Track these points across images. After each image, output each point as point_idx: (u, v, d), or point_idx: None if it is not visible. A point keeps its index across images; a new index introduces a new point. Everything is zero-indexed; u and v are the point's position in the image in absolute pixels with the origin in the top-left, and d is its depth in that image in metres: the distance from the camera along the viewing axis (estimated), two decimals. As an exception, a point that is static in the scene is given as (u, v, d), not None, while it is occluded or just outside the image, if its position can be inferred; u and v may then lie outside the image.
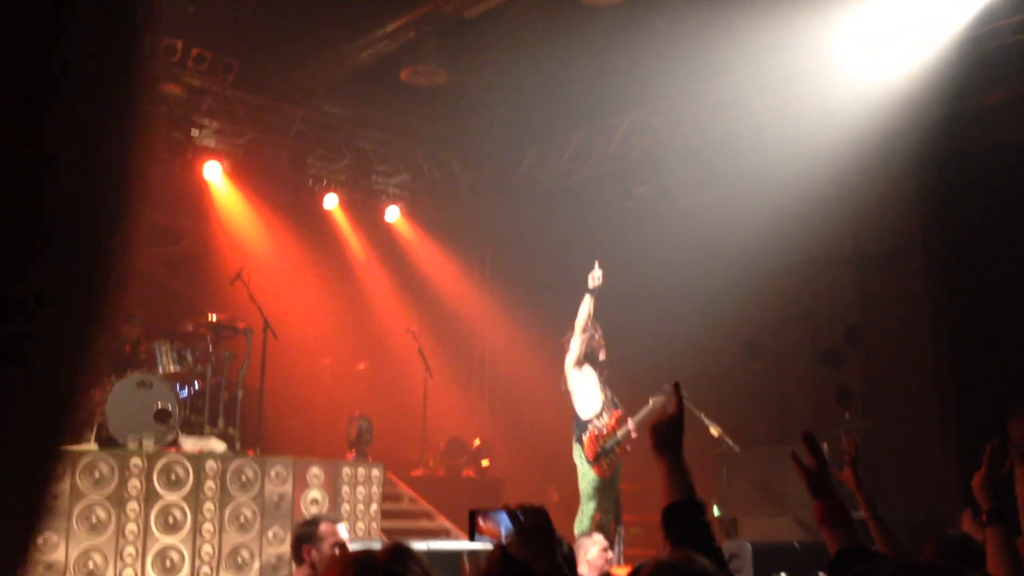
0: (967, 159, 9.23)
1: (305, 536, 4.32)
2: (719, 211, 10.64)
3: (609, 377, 7.87)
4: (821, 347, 10.13)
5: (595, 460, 7.41)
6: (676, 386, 2.49)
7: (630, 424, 7.50)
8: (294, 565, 4.42)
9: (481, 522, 2.13)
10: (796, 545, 7.11)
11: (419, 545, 1.93)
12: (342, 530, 4.32)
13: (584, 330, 7.51)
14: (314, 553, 4.24)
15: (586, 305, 7.51)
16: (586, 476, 7.42)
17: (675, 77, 10.19)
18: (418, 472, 10.76)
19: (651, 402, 7.49)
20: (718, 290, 10.38)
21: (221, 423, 8.74)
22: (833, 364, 9.92)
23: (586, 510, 7.40)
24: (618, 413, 7.61)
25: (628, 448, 7.55)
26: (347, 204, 12.54)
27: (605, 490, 7.48)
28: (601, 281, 7.43)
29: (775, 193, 9.75)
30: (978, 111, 9.15)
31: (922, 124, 9.03)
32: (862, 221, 9.94)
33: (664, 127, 11.01)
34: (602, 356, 7.70)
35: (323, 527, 4.30)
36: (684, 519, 2.25)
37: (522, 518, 2.18)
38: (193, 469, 7.47)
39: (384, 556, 1.73)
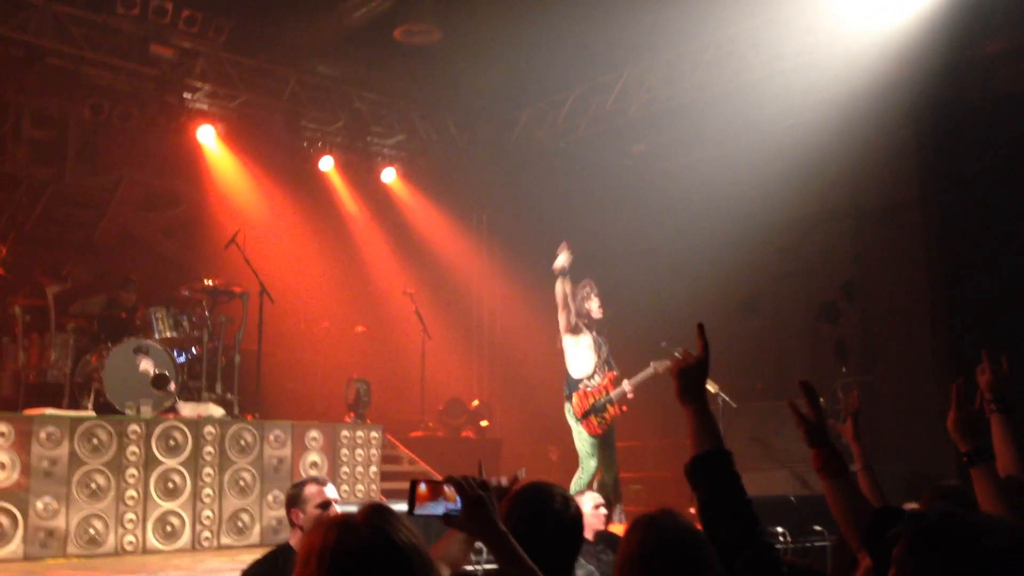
0: (966, 110, 9.12)
1: (291, 499, 4.33)
2: (716, 168, 10.57)
3: (609, 334, 7.84)
4: (819, 303, 10.11)
5: (584, 417, 7.44)
6: (700, 327, 2.35)
7: (626, 385, 7.50)
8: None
9: (422, 489, 2.09)
10: (792, 499, 7.15)
11: (396, 507, 1.91)
12: (330, 491, 4.31)
13: (564, 307, 7.49)
14: (300, 516, 4.25)
15: (559, 287, 7.46)
16: (580, 435, 7.45)
17: (671, 33, 10.06)
18: (417, 433, 10.81)
19: (652, 366, 7.49)
20: (715, 247, 10.34)
21: (219, 388, 8.77)
22: (830, 319, 9.91)
23: (587, 468, 7.44)
24: (612, 375, 7.61)
25: (624, 408, 7.56)
26: (343, 166, 12.47)
27: (603, 447, 7.50)
28: (567, 262, 7.37)
29: (772, 149, 9.67)
30: (978, 61, 9.02)
31: (920, 75, 8.91)
32: (859, 176, 9.86)
33: (660, 84, 10.89)
34: (598, 315, 7.67)
35: (308, 489, 4.29)
36: (713, 470, 2.16)
37: (467, 489, 2.13)
38: (192, 434, 7.51)
39: (364, 515, 1.71)
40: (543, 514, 2.67)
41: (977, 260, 8.97)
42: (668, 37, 10.23)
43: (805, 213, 10.12)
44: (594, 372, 7.56)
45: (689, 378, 2.28)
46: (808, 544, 6.60)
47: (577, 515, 2.78)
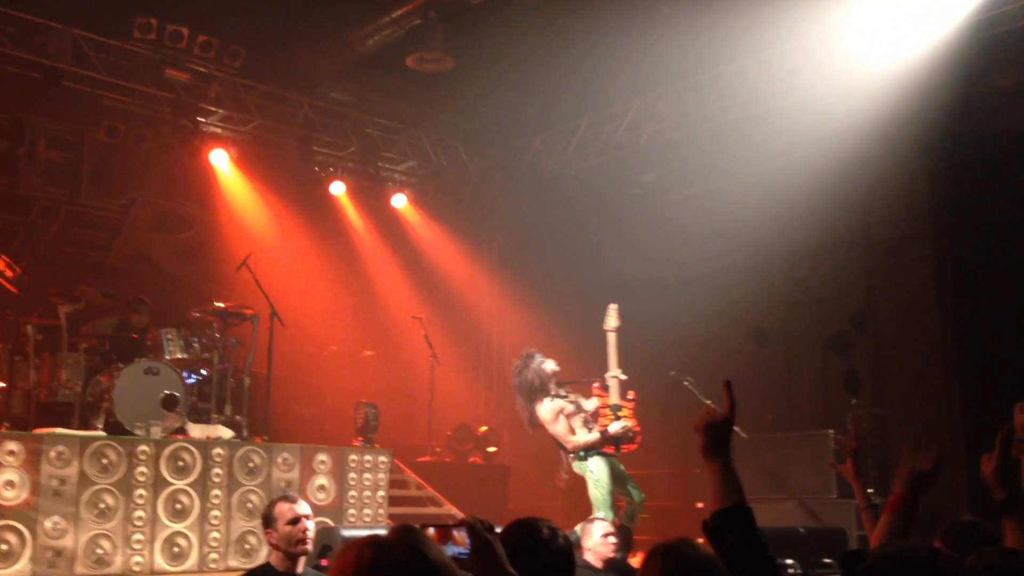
0: (976, 144, 9.16)
1: (265, 519, 4.38)
2: (726, 198, 10.61)
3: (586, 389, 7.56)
4: (829, 333, 10.10)
5: (610, 438, 7.16)
6: (727, 385, 2.35)
7: (616, 374, 7.30)
8: None
9: (431, 533, 2.10)
10: (801, 531, 7.12)
11: None
12: (302, 508, 4.34)
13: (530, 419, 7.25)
14: (273, 535, 4.31)
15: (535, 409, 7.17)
16: (599, 482, 7.10)
17: (681, 63, 10.14)
18: (425, 458, 10.78)
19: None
20: (725, 277, 10.35)
21: (228, 410, 8.78)
22: (841, 350, 9.90)
23: (608, 516, 7.09)
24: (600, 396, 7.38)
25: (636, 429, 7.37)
26: (354, 191, 12.54)
27: (618, 482, 7.28)
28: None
29: (783, 179, 9.71)
30: (988, 95, 9.07)
31: (931, 108, 8.96)
32: (870, 207, 9.89)
33: (671, 114, 10.96)
34: (556, 368, 7.26)
35: (278, 508, 4.34)
36: (734, 526, 2.17)
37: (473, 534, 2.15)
38: (201, 456, 7.51)
39: (397, 536, 1.73)
40: (533, 547, 2.69)
41: (988, 291, 8.97)
42: (678, 68, 10.32)
43: (815, 243, 10.14)
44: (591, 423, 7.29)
45: (715, 434, 2.29)
46: (819, 574, 6.57)
47: (566, 546, 2.80)
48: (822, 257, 10.31)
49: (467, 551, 2.11)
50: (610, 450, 7.24)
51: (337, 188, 12.24)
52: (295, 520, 4.28)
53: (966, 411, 8.99)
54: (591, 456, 7.15)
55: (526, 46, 10.31)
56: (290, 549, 4.30)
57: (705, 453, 2.29)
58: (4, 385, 8.32)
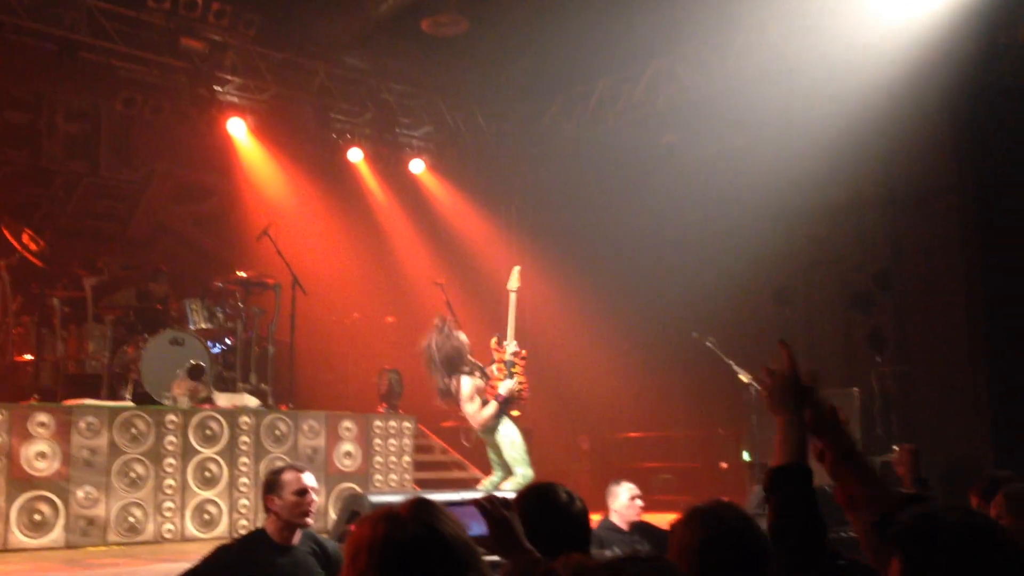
0: (1001, 95, 8.99)
1: (268, 485, 4.29)
2: (746, 157, 10.49)
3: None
4: (851, 292, 10.03)
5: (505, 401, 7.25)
6: (782, 344, 2.40)
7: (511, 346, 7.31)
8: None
9: None
10: (828, 488, 7.11)
11: (438, 496, 1.94)
12: (308, 479, 4.29)
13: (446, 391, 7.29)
14: (276, 502, 4.23)
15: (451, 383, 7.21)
16: (513, 443, 7.14)
17: (699, 22, 10.00)
18: (449, 423, 10.85)
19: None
20: (746, 237, 10.28)
21: (253, 379, 8.85)
22: (864, 309, 9.83)
23: (527, 474, 7.18)
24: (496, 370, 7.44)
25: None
26: (372, 158, 12.51)
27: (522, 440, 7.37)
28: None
29: (803, 137, 9.59)
30: (1012, 46, 8.89)
31: (954, 61, 8.80)
32: (892, 162, 9.75)
33: (689, 73, 10.84)
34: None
35: (285, 475, 4.27)
36: (791, 483, 2.19)
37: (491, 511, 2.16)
38: (228, 424, 7.59)
39: (410, 509, 1.73)
40: (549, 511, 2.71)
41: (1013, 245, 8.87)
42: (696, 27, 10.17)
43: (837, 200, 10.03)
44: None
45: (780, 393, 2.32)
46: (844, 534, 6.59)
47: (583, 510, 2.82)
48: (844, 214, 10.20)
49: (484, 530, 2.13)
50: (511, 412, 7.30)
51: (355, 155, 12.22)
52: (303, 491, 4.22)
53: (991, 366, 8.93)
54: (499, 423, 7.20)
55: (542, 8, 10.19)
56: (292, 519, 4.22)
57: (772, 409, 2.32)
58: (32, 357, 8.42)
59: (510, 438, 7.21)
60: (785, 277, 10.55)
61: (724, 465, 10.23)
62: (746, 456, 9.08)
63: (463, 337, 7.33)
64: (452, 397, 7.26)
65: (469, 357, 7.33)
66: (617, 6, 9.77)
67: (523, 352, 7.49)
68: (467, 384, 7.19)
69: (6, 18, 9.44)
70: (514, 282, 7.71)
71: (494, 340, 7.46)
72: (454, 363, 7.22)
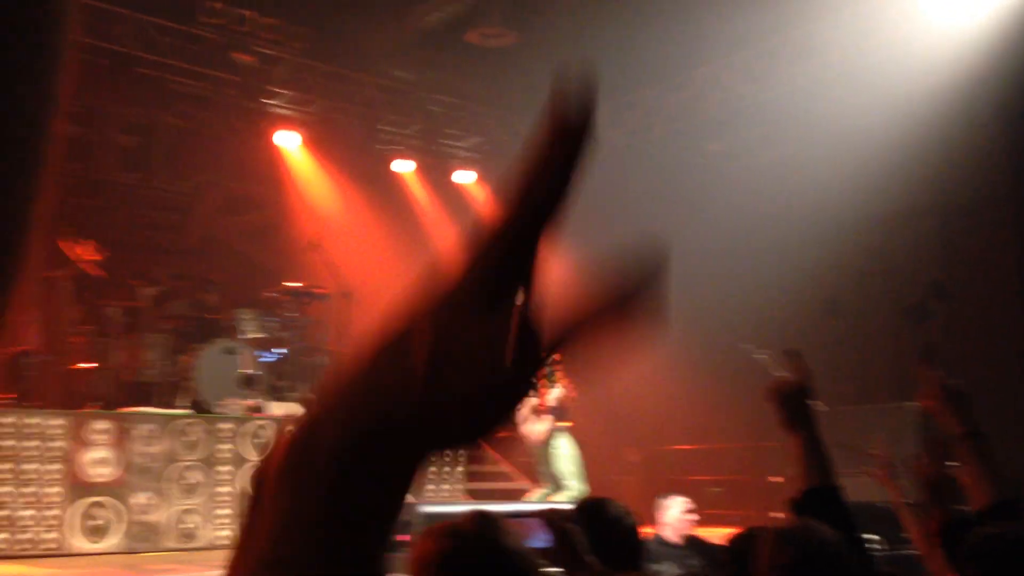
0: (1058, 104, 8.84)
1: None
2: (795, 165, 10.41)
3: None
4: (904, 303, 9.88)
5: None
6: (793, 353, 2.29)
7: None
8: None
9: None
10: (881, 505, 7.00)
11: (495, 508, 1.95)
12: None
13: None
14: None
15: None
16: (567, 456, 7.34)
17: (747, 30, 9.95)
18: (501, 433, 10.86)
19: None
20: (795, 247, 10.17)
21: (304, 388, 8.93)
22: (917, 321, 9.68)
23: (580, 489, 7.25)
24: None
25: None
26: (420, 169, 12.60)
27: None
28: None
29: (854, 145, 9.49)
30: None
31: (1010, 67, 8.66)
32: (946, 170, 9.60)
33: (737, 81, 10.78)
34: None
35: None
36: (822, 507, 2.05)
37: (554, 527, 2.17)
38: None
39: (473, 523, 1.74)
40: (602, 526, 2.70)
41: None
42: (744, 35, 10.13)
43: (888, 210, 9.90)
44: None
45: (790, 405, 2.19)
46: (904, 552, 6.47)
47: (635, 525, 2.80)
48: (896, 224, 10.06)
49: (547, 543, 2.14)
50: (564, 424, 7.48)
51: (403, 166, 12.31)
52: None
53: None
54: (556, 437, 7.38)
55: (588, 18, 10.21)
56: None
57: (784, 426, 2.19)
58: (91, 366, 8.57)
59: (566, 453, 7.29)
60: (836, 288, 10.42)
61: (777, 479, 10.11)
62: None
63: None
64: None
65: None
66: (664, 14, 9.76)
67: (558, 357, 7.51)
68: (523, 406, 7.25)
69: (63, 34, 9.65)
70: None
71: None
72: None
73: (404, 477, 0.47)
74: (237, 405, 7.80)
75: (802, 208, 10.08)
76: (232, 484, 7.32)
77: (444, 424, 0.46)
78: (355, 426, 0.45)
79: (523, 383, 0.45)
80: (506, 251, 0.46)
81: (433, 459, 0.47)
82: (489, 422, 0.47)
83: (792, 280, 10.15)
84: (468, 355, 0.46)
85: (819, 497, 2.11)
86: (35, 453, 6.66)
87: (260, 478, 0.47)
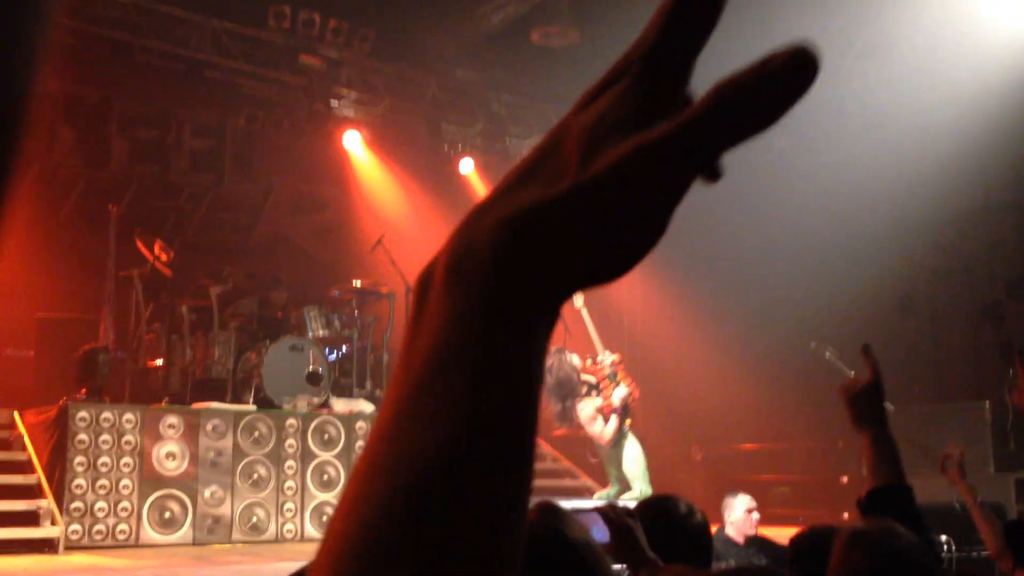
0: None
1: None
2: (866, 163, 10.18)
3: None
4: (981, 302, 9.59)
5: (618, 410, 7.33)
6: (866, 348, 2.21)
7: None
8: None
9: None
10: (957, 506, 6.80)
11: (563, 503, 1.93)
12: None
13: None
14: None
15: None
16: (635, 458, 7.32)
17: (814, 27, 9.75)
18: (560, 432, 10.83)
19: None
20: (868, 245, 9.95)
21: (369, 385, 9.03)
22: (995, 320, 9.38)
23: (645, 490, 7.23)
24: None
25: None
26: (483, 168, 12.64)
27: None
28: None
29: (926, 141, 9.25)
30: None
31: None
32: (1022, 167, 9.30)
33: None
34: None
35: None
36: (890, 507, 2.00)
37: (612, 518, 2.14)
38: (344, 429, 7.76)
39: (537, 514, 1.73)
40: (670, 524, 2.66)
41: None
42: (811, 31, 9.93)
43: (964, 207, 9.62)
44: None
45: (862, 403, 2.15)
46: (975, 554, 6.27)
47: (704, 523, 2.75)
48: (971, 222, 9.78)
49: (605, 537, 2.12)
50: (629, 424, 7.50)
51: (466, 165, 12.37)
52: None
53: None
54: (623, 438, 7.40)
55: (650, 15, 10.12)
56: None
57: (855, 424, 2.16)
58: (162, 362, 8.79)
59: (633, 454, 7.31)
60: (910, 286, 10.17)
61: (845, 479, 9.90)
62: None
63: (575, 360, 7.42)
64: (569, 421, 7.35)
65: (582, 377, 7.42)
66: (736, 13, 9.53)
67: (618, 357, 7.55)
68: (588, 407, 7.33)
69: (135, 40, 9.92)
70: (578, 300, 7.71)
71: (588, 361, 7.53)
72: (567, 387, 7.31)
73: (553, 293, 0.46)
74: (303, 401, 7.92)
75: (873, 205, 9.87)
76: (297, 479, 7.44)
77: (595, 222, 0.45)
78: (511, 215, 0.45)
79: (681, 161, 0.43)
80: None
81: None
82: (643, 228, 0.45)
83: (864, 277, 9.94)
84: (618, 130, 0.45)
85: (888, 497, 2.08)
86: (108, 447, 6.86)
87: (426, 277, 0.47)
